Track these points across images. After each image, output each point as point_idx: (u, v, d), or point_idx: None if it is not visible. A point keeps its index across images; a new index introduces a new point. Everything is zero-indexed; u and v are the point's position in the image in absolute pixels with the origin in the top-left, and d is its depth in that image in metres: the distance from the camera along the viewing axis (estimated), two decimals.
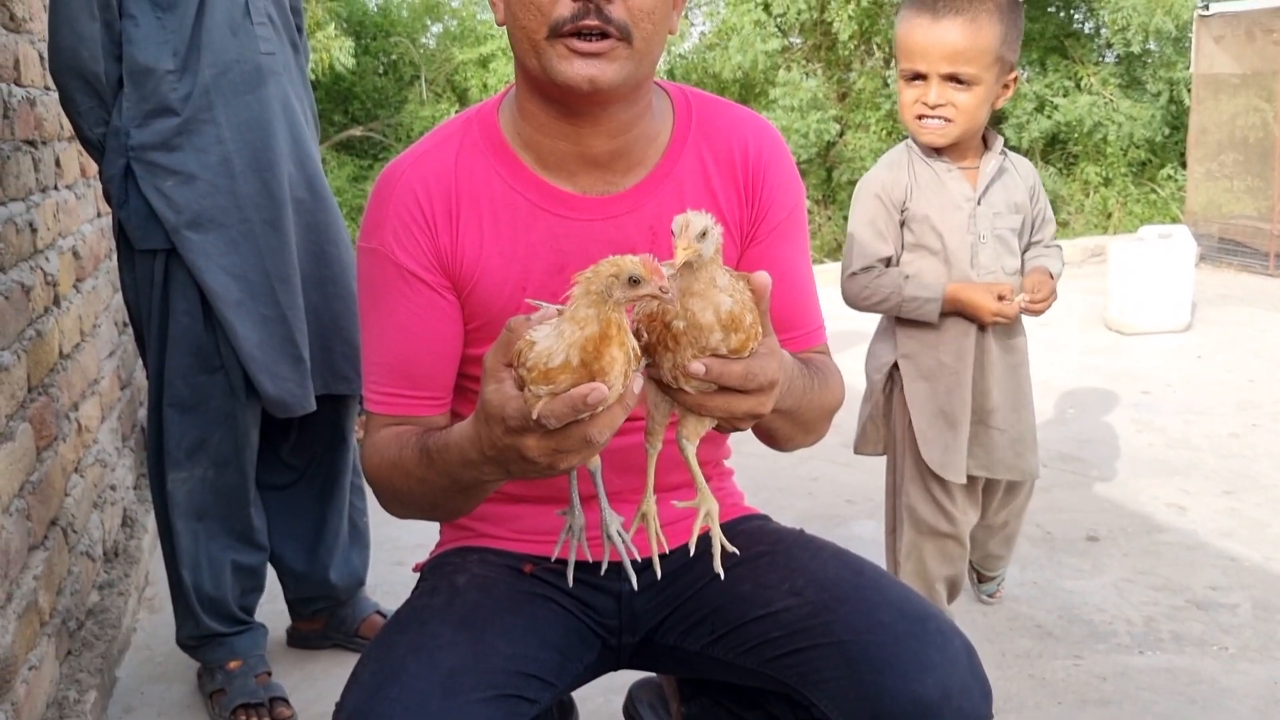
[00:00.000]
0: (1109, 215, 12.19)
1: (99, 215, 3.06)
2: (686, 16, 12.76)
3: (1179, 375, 4.80)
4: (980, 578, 2.64)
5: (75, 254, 2.70)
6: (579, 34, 1.22)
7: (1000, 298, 2.16)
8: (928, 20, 2.08)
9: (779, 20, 12.56)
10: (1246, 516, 3.18)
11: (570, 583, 1.30)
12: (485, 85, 13.47)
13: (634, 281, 0.99)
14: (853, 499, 3.40)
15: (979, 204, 2.20)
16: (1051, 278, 2.27)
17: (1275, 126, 7.51)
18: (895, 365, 2.26)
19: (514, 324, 1.04)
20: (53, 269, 2.43)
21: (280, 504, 2.38)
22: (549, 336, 1.00)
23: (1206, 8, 8.02)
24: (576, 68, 1.23)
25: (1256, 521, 3.14)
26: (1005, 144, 2.29)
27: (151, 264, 2.10)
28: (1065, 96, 11.68)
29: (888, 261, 2.22)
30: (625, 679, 1.77)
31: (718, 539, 1.21)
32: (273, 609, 2.49)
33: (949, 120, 2.12)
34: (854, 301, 2.24)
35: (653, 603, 1.45)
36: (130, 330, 3.18)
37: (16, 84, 2.30)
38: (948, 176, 2.20)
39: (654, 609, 1.45)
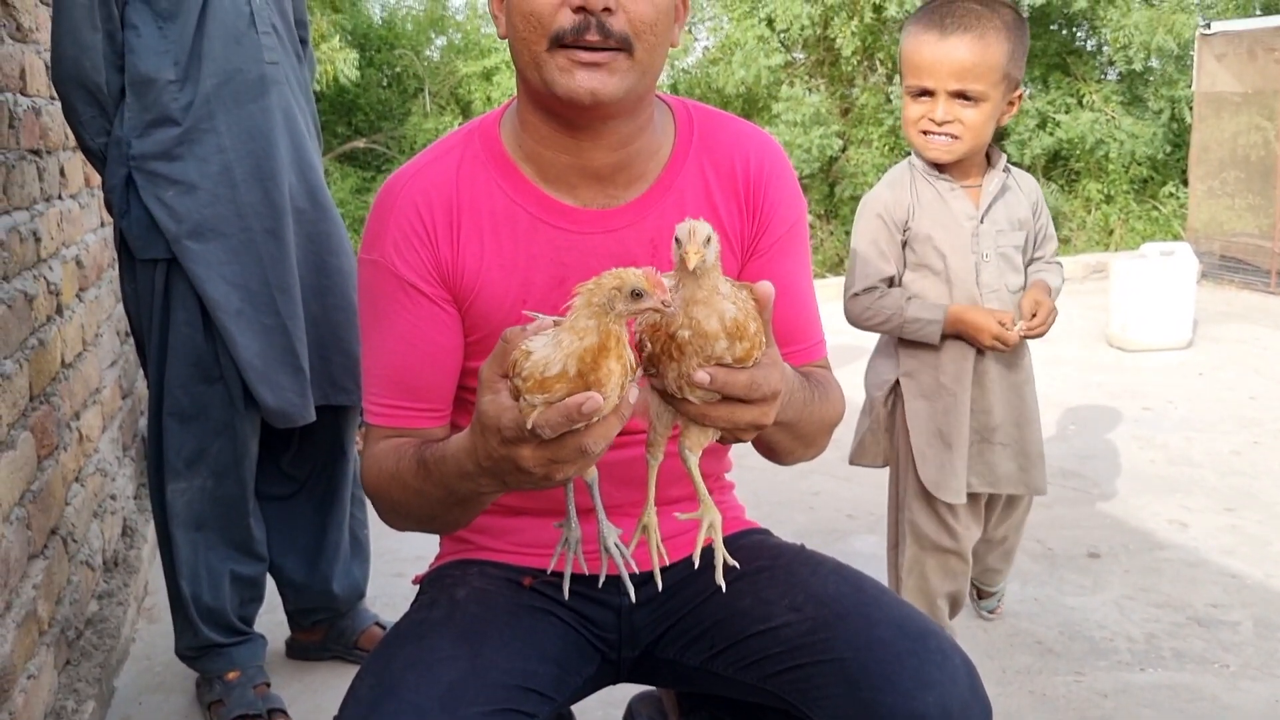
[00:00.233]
0: (1111, 232, 12.20)
1: (102, 225, 3.06)
2: (690, 31, 12.81)
3: (1180, 392, 4.80)
4: (980, 593, 2.63)
5: (78, 263, 2.70)
6: (580, 46, 1.23)
7: (1003, 324, 2.15)
8: (935, 36, 2.08)
9: (782, 36, 12.60)
10: (1248, 534, 3.18)
11: (566, 595, 1.29)
12: (489, 98, 13.51)
13: (636, 295, 0.99)
14: (853, 514, 3.39)
15: (982, 222, 2.20)
16: (1050, 294, 2.26)
17: (1277, 145, 7.52)
18: (897, 382, 2.26)
19: (509, 334, 1.04)
20: (56, 278, 2.44)
21: (280, 515, 2.38)
22: (546, 346, 1.00)
23: (1208, 26, 8.04)
24: (578, 79, 1.23)
25: (1258, 539, 3.14)
26: (1008, 160, 2.29)
27: (152, 273, 2.10)
28: (1067, 113, 11.71)
29: (890, 281, 2.22)
30: (625, 692, 1.77)
31: (720, 551, 1.20)
32: (272, 620, 2.49)
33: (956, 137, 2.12)
34: (856, 321, 2.24)
35: (652, 617, 1.44)
36: (132, 340, 3.18)
37: (22, 94, 2.31)
38: (950, 195, 2.20)
39: (654, 623, 1.45)
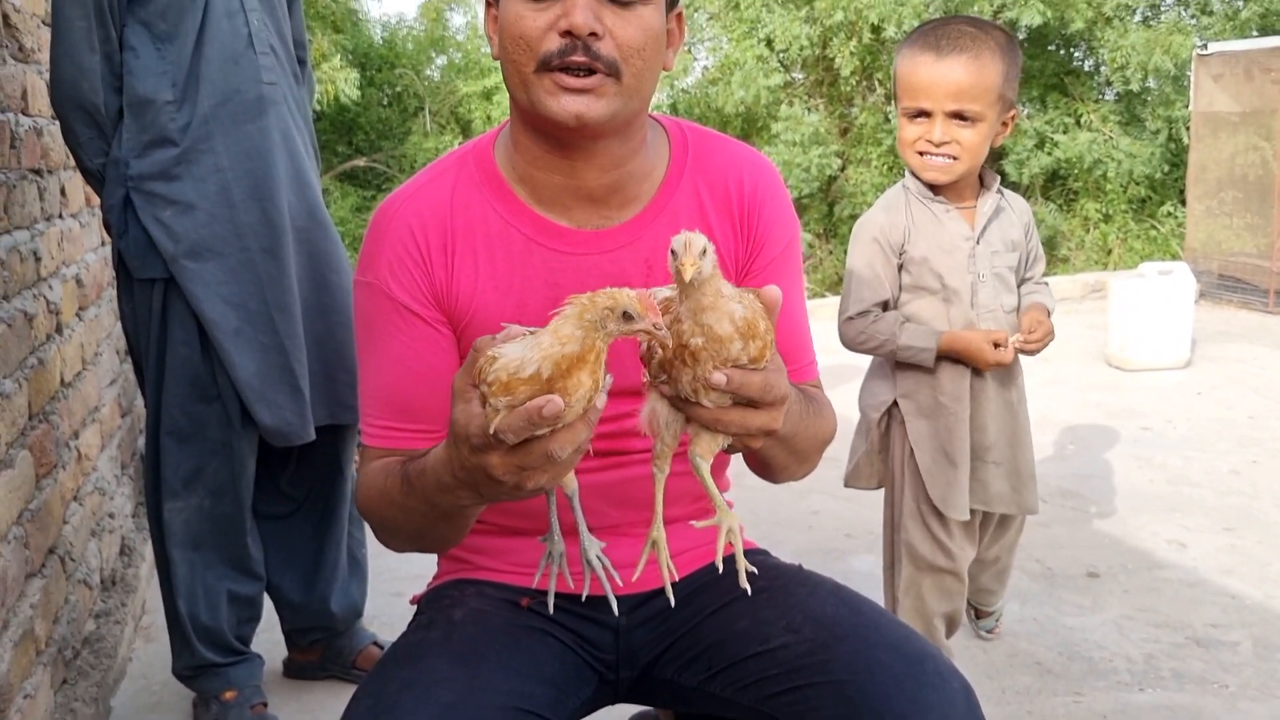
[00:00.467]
0: (1109, 251, 12.23)
1: (102, 244, 3.07)
2: (689, 51, 12.86)
3: (1179, 411, 4.80)
4: (978, 613, 2.63)
5: (78, 282, 2.71)
6: (567, 69, 1.23)
7: (995, 345, 2.16)
8: (932, 58, 2.10)
9: (781, 56, 12.66)
10: (1247, 554, 3.17)
11: (551, 610, 1.28)
12: (489, 117, 13.57)
13: (628, 317, 0.99)
14: (852, 533, 3.39)
15: (978, 243, 2.21)
16: (1049, 316, 2.28)
17: (1274, 164, 7.55)
18: (894, 403, 2.26)
19: (480, 343, 1.04)
20: (56, 297, 2.44)
21: (278, 534, 2.37)
22: (520, 347, 1.00)
23: (1205, 47, 8.08)
24: (563, 103, 1.24)
25: (1257, 559, 3.13)
26: (1002, 181, 2.29)
27: (150, 293, 2.10)
28: (1065, 133, 11.76)
29: (885, 305, 2.23)
30: (622, 713, 1.76)
31: (741, 557, 1.19)
32: (269, 639, 2.48)
33: (954, 157, 2.13)
34: (851, 345, 2.25)
35: (650, 637, 1.44)
36: (130, 359, 3.19)
37: (24, 114, 2.32)
38: (946, 217, 2.21)
39: (651, 643, 1.44)
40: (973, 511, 2.25)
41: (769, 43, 12.45)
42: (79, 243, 2.77)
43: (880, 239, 2.21)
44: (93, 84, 1.99)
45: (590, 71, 1.23)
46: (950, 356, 2.18)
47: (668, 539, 1.44)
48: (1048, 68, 12.65)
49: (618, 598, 1.42)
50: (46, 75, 2.49)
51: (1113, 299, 5.72)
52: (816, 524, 3.49)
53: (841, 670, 1.25)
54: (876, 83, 12.68)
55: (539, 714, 1.27)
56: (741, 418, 1.11)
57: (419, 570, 2.85)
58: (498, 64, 1.34)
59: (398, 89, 15.49)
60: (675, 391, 1.10)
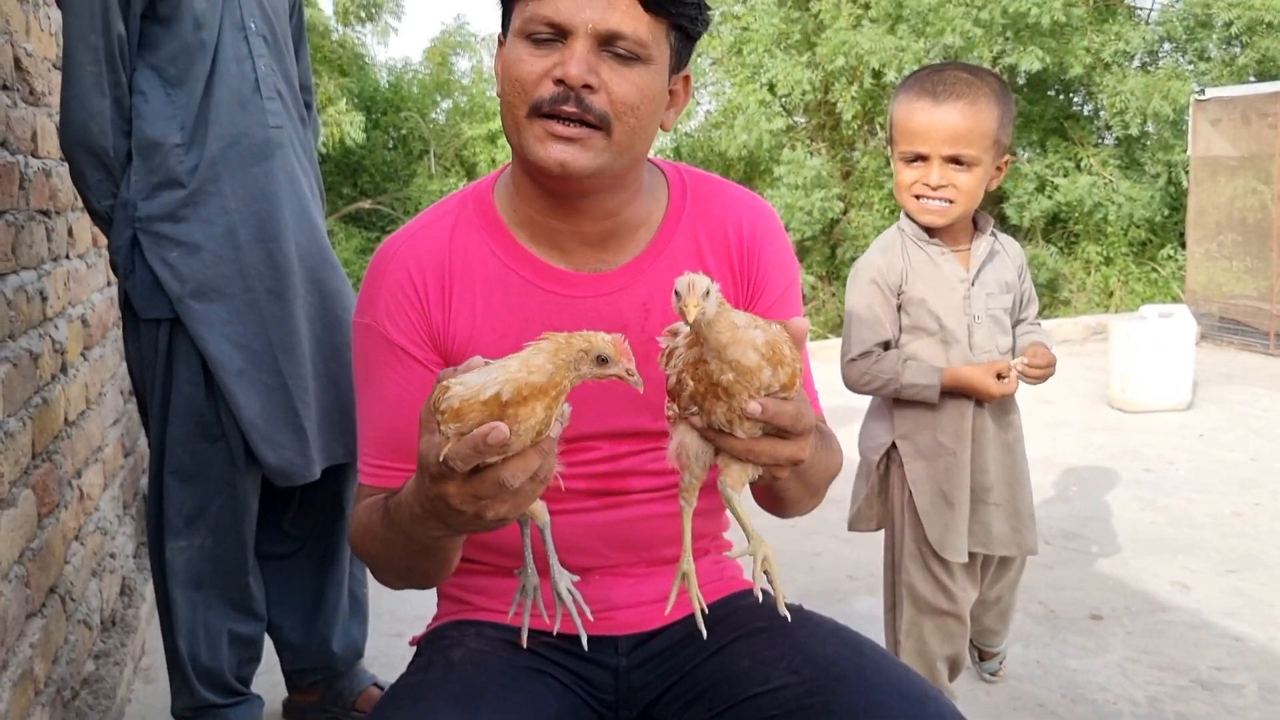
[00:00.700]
0: (1110, 294, 12.27)
1: (109, 284, 3.09)
2: (693, 95, 12.99)
3: (1181, 453, 4.80)
4: (981, 655, 2.62)
5: (84, 322, 2.73)
6: (557, 117, 1.25)
7: (999, 376, 2.17)
8: (929, 104, 2.13)
9: (784, 100, 12.80)
10: (1251, 596, 3.16)
11: (524, 643, 1.27)
12: (493, 160, 13.68)
13: (602, 360, 1.00)
14: (854, 574, 3.38)
15: (973, 285, 2.23)
16: (1050, 351, 2.29)
17: (1273, 208, 7.59)
18: (893, 445, 2.27)
19: (443, 374, 1.05)
20: (61, 337, 2.46)
21: (280, 574, 2.37)
22: (480, 374, 1.00)
23: (1203, 92, 8.17)
24: (549, 150, 1.26)
25: (1261, 601, 3.12)
26: (999, 224, 2.32)
27: (156, 333, 2.12)
28: (1065, 177, 11.85)
29: (886, 345, 2.24)
30: None
31: (779, 586, 1.19)
32: (269, 680, 2.47)
33: (950, 201, 2.16)
34: (854, 386, 2.26)
35: (650, 677, 1.43)
36: (134, 398, 3.20)
37: (33, 155, 2.35)
38: (941, 259, 2.23)
39: (651, 683, 1.44)
40: (973, 553, 2.25)
41: (771, 87, 12.59)
42: (85, 283, 2.80)
43: (879, 280, 2.23)
44: (102, 127, 2.02)
45: (580, 122, 1.25)
46: (953, 392, 2.19)
47: (667, 579, 1.45)
48: (1047, 112, 12.77)
49: (618, 638, 1.42)
50: (56, 118, 2.52)
51: (1114, 341, 5.74)
52: (818, 565, 3.48)
53: (842, 712, 1.24)
54: (878, 127, 12.80)
55: None
56: (772, 448, 1.12)
57: (419, 611, 2.85)
58: None
59: (403, 132, 15.64)
60: (708, 423, 1.11)
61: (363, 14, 14.64)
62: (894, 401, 2.26)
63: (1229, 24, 11.51)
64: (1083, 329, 7.67)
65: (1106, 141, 12.80)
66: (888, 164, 12.31)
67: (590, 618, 1.23)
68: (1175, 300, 9.72)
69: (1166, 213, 12.06)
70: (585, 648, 1.25)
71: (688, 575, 1.21)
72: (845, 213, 12.73)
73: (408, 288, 1.36)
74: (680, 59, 1.34)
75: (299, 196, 2.21)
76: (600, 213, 1.35)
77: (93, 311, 2.85)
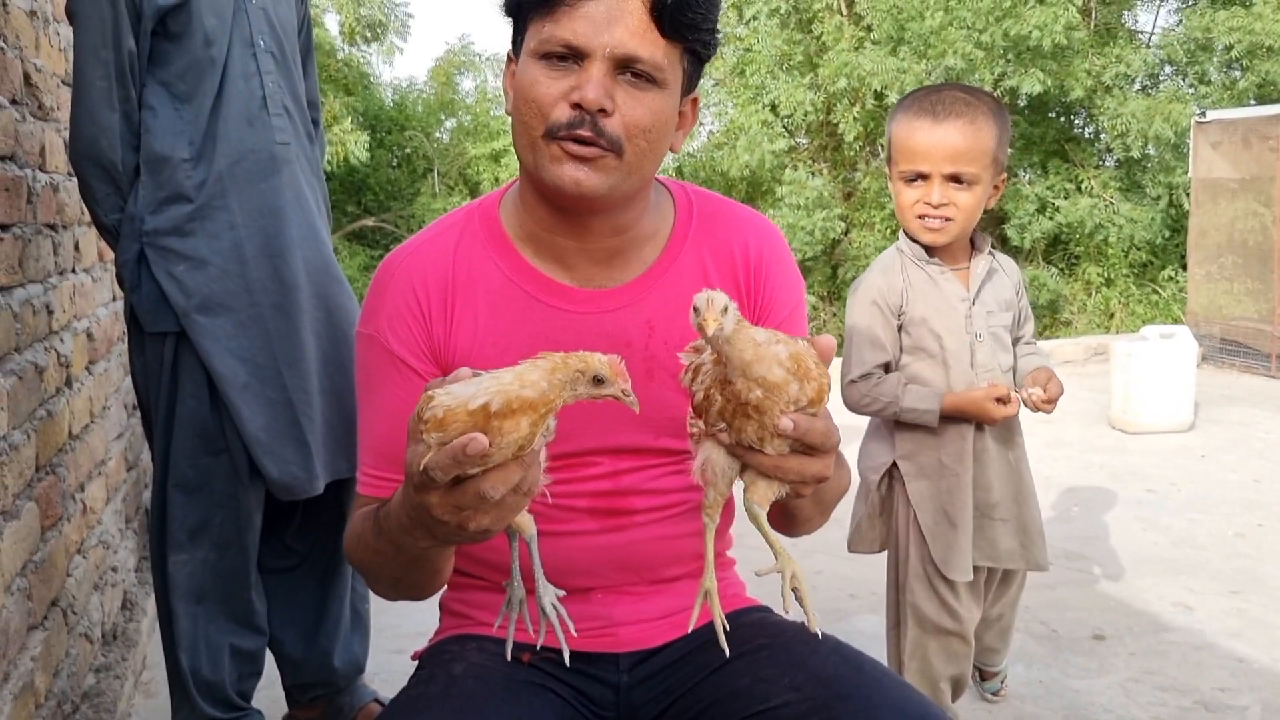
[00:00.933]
0: (1111, 315, 12.28)
1: (114, 299, 3.10)
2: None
3: (1183, 474, 4.79)
4: (983, 675, 2.61)
5: (89, 336, 2.74)
6: (572, 139, 1.26)
7: (1000, 400, 2.17)
8: (929, 123, 2.14)
9: (786, 121, 12.85)
10: (1254, 617, 3.15)
11: (509, 657, 1.26)
12: (497, 179, 13.74)
13: (598, 381, 1.01)
14: (855, 593, 3.37)
15: (973, 304, 2.24)
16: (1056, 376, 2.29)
17: (1273, 230, 7.61)
18: (894, 465, 2.27)
19: (431, 384, 1.05)
20: (66, 350, 2.47)
21: (282, 588, 2.37)
22: (470, 385, 1.00)
23: (1204, 115, 8.20)
24: (564, 170, 1.27)
25: (1264, 623, 3.11)
26: (1000, 245, 2.33)
27: (161, 347, 2.13)
28: (1066, 199, 11.88)
29: (886, 367, 2.25)
30: None
31: (809, 603, 1.19)
32: (270, 695, 2.47)
33: (950, 219, 2.17)
34: (854, 408, 2.26)
35: (651, 694, 1.43)
36: (138, 413, 3.20)
37: (41, 170, 2.36)
38: (941, 278, 2.24)
39: (652, 700, 1.43)
40: (977, 569, 2.25)
41: (774, 108, 12.65)
42: (91, 297, 2.81)
43: (879, 301, 2.23)
44: (111, 141, 2.03)
45: (595, 144, 1.26)
46: (953, 416, 2.20)
47: (669, 597, 1.45)
48: (1048, 134, 12.82)
49: (619, 654, 1.42)
50: (64, 133, 2.54)
51: (1115, 362, 5.75)
52: (820, 584, 3.47)
53: None
54: (879, 148, 12.85)
55: None
56: (800, 464, 1.12)
57: (421, 627, 2.84)
58: (506, 127, 1.37)
59: (407, 151, 15.70)
60: (738, 439, 1.11)
61: (368, 34, 14.72)
62: (895, 421, 2.26)
63: (1229, 48, 11.58)
64: (1084, 349, 7.67)
65: (1107, 164, 12.84)
66: (889, 185, 12.38)
67: (574, 633, 1.23)
68: (1176, 322, 9.72)
69: (1167, 235, 12.09)
70: (567, 663, 1.24)
71: (710, 592, 1.21)
72: (847, 233, 12.76)
73: (410, 300, 1.37)
74: (691, 82, 1.35)
75: (305, 212, 2.22)
76: (608, 230, 1.36)
77: (98, 325, 2.85)
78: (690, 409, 1.16)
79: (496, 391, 0.98)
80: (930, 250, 2.24)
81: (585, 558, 1.40)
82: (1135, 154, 11.63)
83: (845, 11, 12.84)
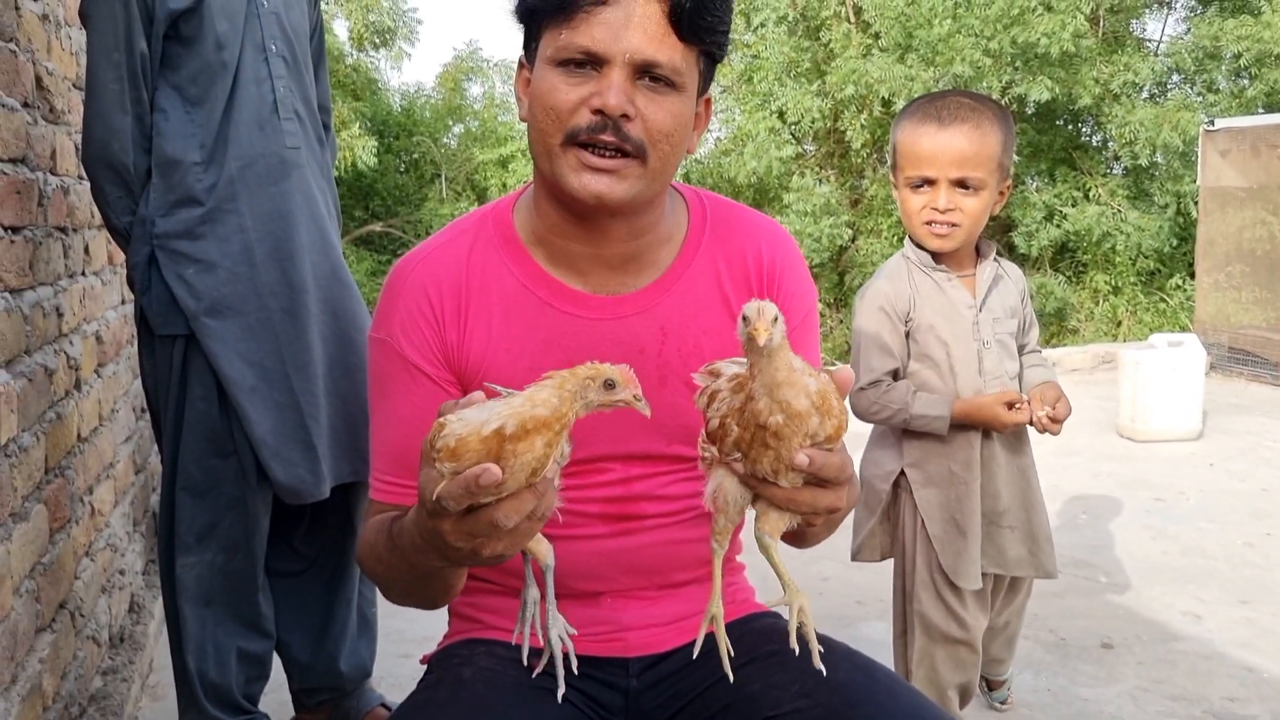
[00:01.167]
0: (1119, 323, 12.25)
1: (123, 301, 3.11)
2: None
3: (1191, 483, 4.78)
4: (990, 684, 2.60)
5: (98, 339, 2.74)
6: (593, 146, 1.25)
7: (1011, 405, 2.17)
8: (934, 128, 2.14)
9: (793, 128, 12.85)
10: (1263, 627, 3.14)
11: (525, 662, 1.26)
12: (504, 185, 13.76)
13: (610, 385, 1.00)
14: (863, 600, 3.36)
15: (980, 310, 2.23)
16: (1062, 392, 2.29)
17: None
18: (901, 472, 2.26)
19: (444, 407, 1.05)
20: (76, 353, 2.47)
21: (289, 592, 2.37)
22: (482, 410, 1.00)
23: (1212, 123, 8.19)
24: (585, 181, 1.26)
25: (1274, 633, 3.10)
26: (1007, 253, 2.33)
27: (171, 349, 2.13)
28: (1074, 206, 11.86)
29: (895, 374, 2.24)
30: None
31: (813, 636, 1.18)
32: (276, 699, 2.46)
33: (956, 225, 2.17)
34: (863, 415, 2.25)
35: (660, 700, 1.43)
36: (147, 416, 3.21)
37: (52, 173, 2.37)
38: (948, 285, 2.23)
39: (661, 706, 1.43)
40: (985, 577, 2.24)
41: (781, 115, 12.65)
42: (100, 300, 2.81)
43: (886, 307, 2.23)
44: (123, 144, 2.04)
45: (617, 151, 1.25)
46: (962, 424, 2.19)
47: (679, 602, 1.44)
48: (1056, 142, 12.80)
49: (628, 659, 1.42)
50: (75, 136, 2.55)
51: (1123, 370, 5.73)
52: (826, 590, 3.46)
53: None
54: (886, 155, 12.84)
55: None
56: (813, 497, 1.11)
57: (428, 632, 2.84)
58: (514, 133, 1.37)
59: (415, 156, 15.73)
60: (752, 471, 1.10)
61: (377, 40, 14.75)
62: (902, 429, 2.25)
63: (1238, 56, 11.56)
64: (1091, 358, 7.65)
65: (1115, 171, 12.82)
66: (893, 192, 12.37)
67: (575, 671, 1.23)
68: (1184, 330, 9.70)
69: (1175, 243, 12.06)
70: (559, 699, 1.24)
71: (716, 618, 1.21)
72: (854, 240, 12.75)
73: (424, 305, 1.36)
74: (705, 83, 1.35)
75: (315, 216, 2.22)
76: (625, 234, 1.36)
77: (107, 328, 2.86)
78: (704, 433, 1.16)
79: (509, 414, 0.98)
80: (937, 257, 2.24)
81: (595, 562, 1.39)
82: (1143, 162, 11.61)
83: (853, 19, 12.85)
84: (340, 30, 14.45)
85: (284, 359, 2.15)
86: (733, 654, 1.21)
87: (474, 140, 15.78)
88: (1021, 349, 2.35)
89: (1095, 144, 13.36)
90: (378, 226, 13.98)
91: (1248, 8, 11.91)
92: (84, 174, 2.15)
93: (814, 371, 1.08)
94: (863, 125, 12.25)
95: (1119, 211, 11.81)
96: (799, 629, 1.17)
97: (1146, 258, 12.12)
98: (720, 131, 14.01)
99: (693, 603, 1.44)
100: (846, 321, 12.40)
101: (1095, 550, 3.86)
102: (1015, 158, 2.27)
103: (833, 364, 1.18)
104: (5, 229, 1.97)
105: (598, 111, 1.24)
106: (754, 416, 1.06)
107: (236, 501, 2.16)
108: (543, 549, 1.18)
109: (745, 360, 1.12)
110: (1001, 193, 2.23)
